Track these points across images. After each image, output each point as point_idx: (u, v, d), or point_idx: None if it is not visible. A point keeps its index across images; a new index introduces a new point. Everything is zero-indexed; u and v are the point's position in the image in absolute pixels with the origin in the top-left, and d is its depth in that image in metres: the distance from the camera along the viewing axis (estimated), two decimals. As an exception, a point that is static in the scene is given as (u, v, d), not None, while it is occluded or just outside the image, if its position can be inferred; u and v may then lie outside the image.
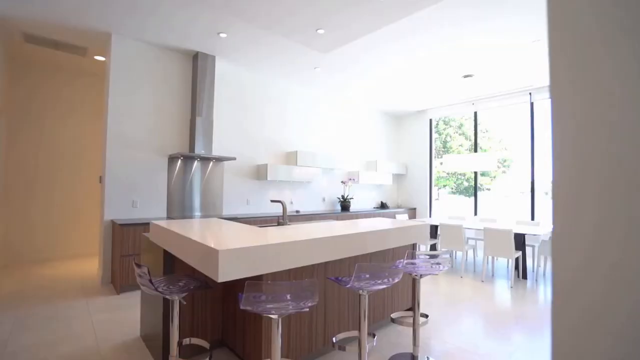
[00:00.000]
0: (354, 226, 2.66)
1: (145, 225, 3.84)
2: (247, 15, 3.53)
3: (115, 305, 3.33)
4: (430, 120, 7.98)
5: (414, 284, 2.34)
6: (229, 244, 1.57)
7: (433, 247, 5.80)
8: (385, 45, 4.40)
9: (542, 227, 5.02)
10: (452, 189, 11.52)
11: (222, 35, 4.09)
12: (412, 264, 2.32)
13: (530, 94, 6.28)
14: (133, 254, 3.75)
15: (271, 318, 1.50)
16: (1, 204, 4.71)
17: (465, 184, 10.95)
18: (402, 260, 2.30)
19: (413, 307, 2.33)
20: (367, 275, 1.87)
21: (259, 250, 1.61)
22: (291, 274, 2.07)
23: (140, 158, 4.27)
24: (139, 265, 1.67)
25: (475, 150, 7.19)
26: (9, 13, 3.58)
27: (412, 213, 7.92)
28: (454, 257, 5.70)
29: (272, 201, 3.04)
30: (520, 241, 4.50)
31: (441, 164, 8.31)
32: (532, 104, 6.45)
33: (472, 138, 7.36)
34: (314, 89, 6.34)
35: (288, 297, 1.49)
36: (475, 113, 7.18)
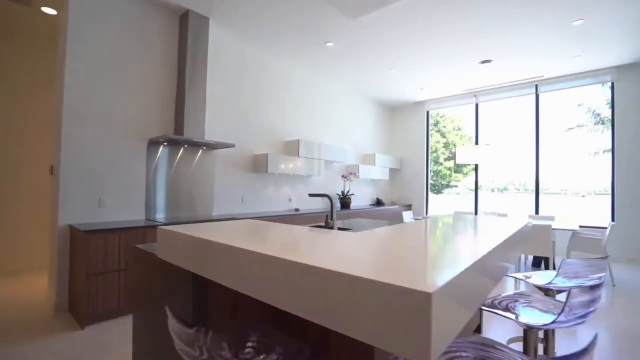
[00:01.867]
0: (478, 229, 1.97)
1: (126, 232, 2.84)
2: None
3: (81, 347, 2.33)
4: (428, 112, 7.56)
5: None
6: (429, 275, 0.77)
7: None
8: (407, 22, 3.78)
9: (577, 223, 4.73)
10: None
11: (223, -14, 3.18)
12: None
13: (536, 86, 6.05)
14: (105, 272, 2.74)
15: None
16: None
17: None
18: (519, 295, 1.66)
19: None
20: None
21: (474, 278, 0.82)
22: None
23: (109, 143, 3.21)
24: (189, 325, 0.84)
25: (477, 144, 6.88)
26: None
27: (408, 210, 7.46)
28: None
29: (311, 195, 2.26)
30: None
31: (446, 159, 7.94)
32: (537, 96, 6.25)
33: (473, 133, 7.05)
34: (320, 72, 5.55)
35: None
36: (477, 105, 6.86)
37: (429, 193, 7.63)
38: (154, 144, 3.51)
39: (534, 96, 6.22)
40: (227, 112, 4.30)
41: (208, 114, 3.95)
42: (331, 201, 2.23)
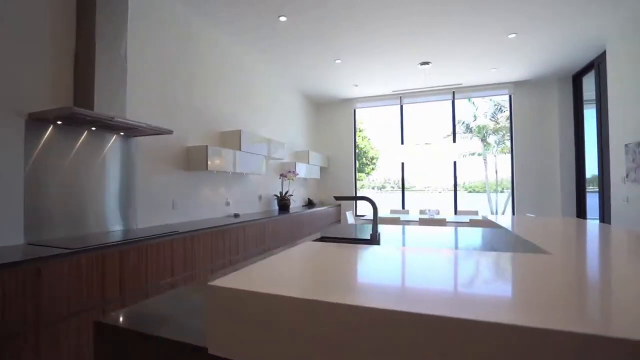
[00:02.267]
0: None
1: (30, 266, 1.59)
2: None
3: None
4: (355, 110, 7.54)
5: None
6: None
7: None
8: (358, 9, 3.49)
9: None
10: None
11: None
12: None
13: (453, 92, 6.65)
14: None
15: None
16: None
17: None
18: None
19: None
20: None
21: None
22: None
23: (-51, 113, 1.83)
24: None
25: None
26: None
27: (337, 210, 7.29)
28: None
29: (357, 198, 1.66)
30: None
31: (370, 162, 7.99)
32: (453, 102, 6.89)
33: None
34: (263, 56, 4.71)
35: None
36: (402, 107, 7.16)
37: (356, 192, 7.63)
38: (37, 122, 2.20)
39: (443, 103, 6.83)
40: (154, 92, 3.15)
41: (128, 91, 2.76)
42: (375, 207, 1.66)
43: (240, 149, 4.05)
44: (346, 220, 5.48)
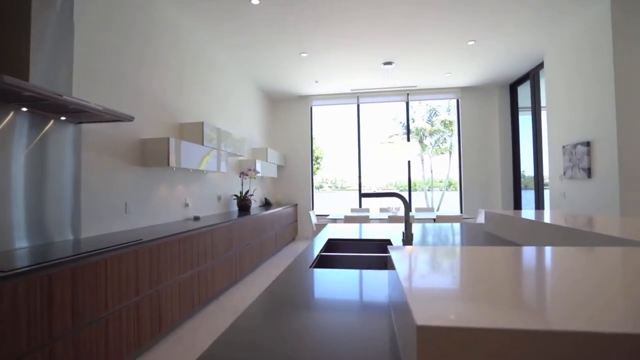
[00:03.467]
0: None
1: None
2: None
3: None
4: (311, 108, 7.37)
5: None
6: None
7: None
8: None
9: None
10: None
11: None
12: None
13: (407, 94, 6.90)
14: None
15: None
16: None
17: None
18: None
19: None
20: None
21: None
22: None
23: None
24: None
25: (359, 145, 7.24)
26: None
27: (295, 211, 7.05)
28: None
29: (387, 195, 1.47)
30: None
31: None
32: (407, 104, 7.15)
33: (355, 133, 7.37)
34: (225, 43, 4.22)
35: None
36: (358, 106, 7.21)
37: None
38: (-59, 95, 1.58)
39: (398, 104, 7.08)
40: (106, 70, 2.56)
41: (76, 65, 2.17)
42: (406, 204, 1.50)
43: (202, 143, 3.58)
44: (310, 220, 5.29)
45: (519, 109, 6.40)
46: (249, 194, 4.97)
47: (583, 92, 4.02)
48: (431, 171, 19.32)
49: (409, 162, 7.18)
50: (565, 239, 1.32)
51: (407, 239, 1.49)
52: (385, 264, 1.51)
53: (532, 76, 5.63)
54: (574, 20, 3.99)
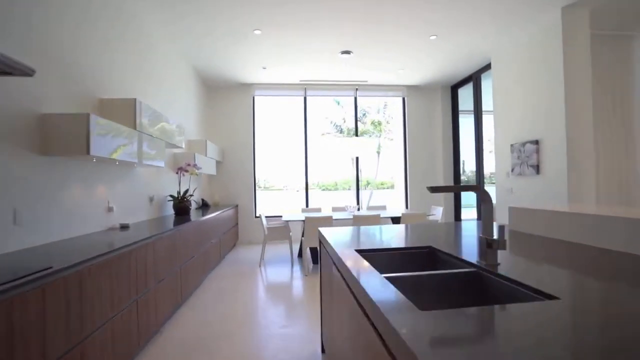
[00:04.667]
0: None
1: None
2: None
3: None
4: (254, 98, 6.64)
5: None
6: None
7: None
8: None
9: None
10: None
11: None
12: None
13: (356, 89, 6.70)
14: None
15: None
16: None
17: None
18: None
19: None
20: None
21: None
22: None
23: None
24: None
25: (306, 138, 6.79)
26: None
27: (235, 212, 6.25)
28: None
29: (463, 188, 1.14)
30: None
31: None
32: (355, 99, 6.95)
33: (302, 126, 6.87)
34: (167, 16, 3.28)
35: None
36: (305, 98, 6.75)
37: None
38: None
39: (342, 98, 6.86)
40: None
41: None
42: (489, 200, 1.09)
43: (135, 127, 2.68)
44: (262, 224, 4.62)
45: (460, 112, 6.72)
46: (188, 193, 4.09)
47: (532, 93, 4.25)
48: (360, 170, 20.03)
49: (357, 158, 7.01)
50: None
51: (499, 244, 1.09)
52: (481, 289, 1.09)
53: (474, 78, 5.92)
54: (525, 25, 4.19)
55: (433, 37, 4.49)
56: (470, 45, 4.74)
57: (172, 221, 3.35)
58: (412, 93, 6.79)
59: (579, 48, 3.78)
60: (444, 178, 6.71)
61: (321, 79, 6.20)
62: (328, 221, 4.14)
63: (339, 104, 18.67)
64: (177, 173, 4.06)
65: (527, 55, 4.33)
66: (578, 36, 3.77)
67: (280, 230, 4.65)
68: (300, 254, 5.06)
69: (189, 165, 4.09)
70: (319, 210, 5.73)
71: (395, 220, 4.69)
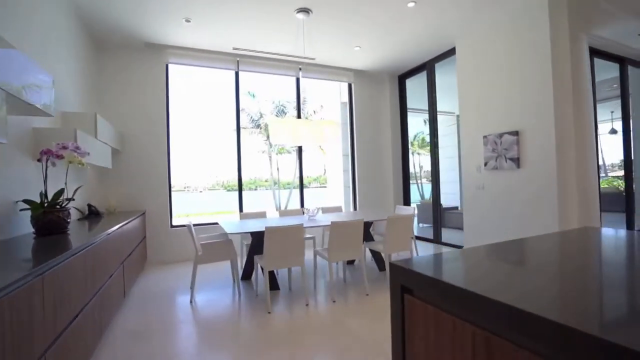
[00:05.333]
0: None
1: None
2: None
3: None
4: (167, 66, 4.94)
5: None
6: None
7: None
8: None
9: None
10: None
11: None
12: None
13: (300, 68, 5.64)
14: None
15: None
16: None
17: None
18: None
19: None
20: None
21: None
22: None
23: None
24: None
25: (238, 123, 5.42)
26: None
27: (142, 222, 4.47)
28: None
29: None
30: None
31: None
32: (298, 81, 5.87)
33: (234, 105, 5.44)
34: None
35: None
36: (237, 74, 5.36)
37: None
38: None
39: (288, 78, 5.78)
40: None
41: None
42: None
43: None
44: (192, 239, 3.13)
45: (408, 110, 6.29)
46: (64, 196, 2.40)
47: (510, 79, 3.91)
48: (277, 169, 18.91)
49: (300, 147, 5.96)
50: None
51: None
52: None
53: (428, 67, 5.52)
54: (497, 6, 3.80)
55: (411, 4, 3.77)
56: (442, 18, 4.16)
57: (29, 251, 1.74)
58: (359, 79, 6.08)
59: (565, 34, 3.54)
60: (393, 173, 6.20)
61: (260, 49, 4.94)
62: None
63: (254, 97, 17.19)
64: (39, 161, 2.31)
65: (503, 36, 3.99)
66: (563, 20, 3.53)
67: (219, 247, 3.26)
68: (245, 277, 3.73)
69: (64, 148, 2.38)
70: (263, 214, 4.47)
71: (368, 224, 3.85)
